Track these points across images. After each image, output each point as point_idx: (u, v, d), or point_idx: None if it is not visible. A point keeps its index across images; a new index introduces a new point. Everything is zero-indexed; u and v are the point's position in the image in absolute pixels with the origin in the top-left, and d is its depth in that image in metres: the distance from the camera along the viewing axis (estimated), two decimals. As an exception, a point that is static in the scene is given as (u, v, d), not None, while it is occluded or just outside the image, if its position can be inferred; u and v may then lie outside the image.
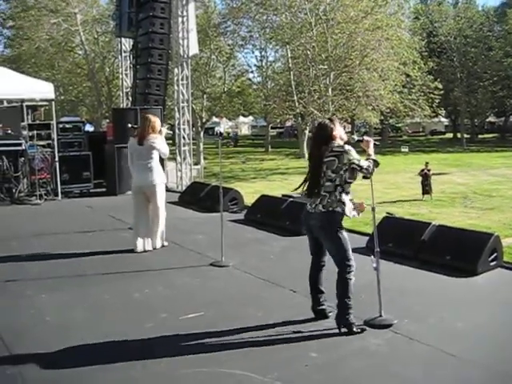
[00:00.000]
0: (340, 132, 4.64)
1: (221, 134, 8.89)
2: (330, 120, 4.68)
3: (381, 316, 4.65)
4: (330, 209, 4.45)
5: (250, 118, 62.81)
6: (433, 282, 5.85)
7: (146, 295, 5.59)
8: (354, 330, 4.44)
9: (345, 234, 4.53)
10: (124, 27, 15.12)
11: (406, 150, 39.60)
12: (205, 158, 34.14)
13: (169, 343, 4.36)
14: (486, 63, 46.75)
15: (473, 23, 47.05)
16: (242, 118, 62.51)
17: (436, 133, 63.67)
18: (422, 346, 4.25)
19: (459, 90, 48.52)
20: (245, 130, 67.39)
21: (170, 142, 16.51)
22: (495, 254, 6.15)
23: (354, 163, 4.43)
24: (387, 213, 7.91)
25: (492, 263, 6.12)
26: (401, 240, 6.78)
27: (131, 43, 15.30)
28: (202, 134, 35.44)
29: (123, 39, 16.08)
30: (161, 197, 7.28)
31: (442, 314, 4.90)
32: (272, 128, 52.27)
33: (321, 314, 4.74)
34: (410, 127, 62.54)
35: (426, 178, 20.46)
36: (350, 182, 4.54)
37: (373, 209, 4.81)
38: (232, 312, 5.04)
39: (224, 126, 63.35)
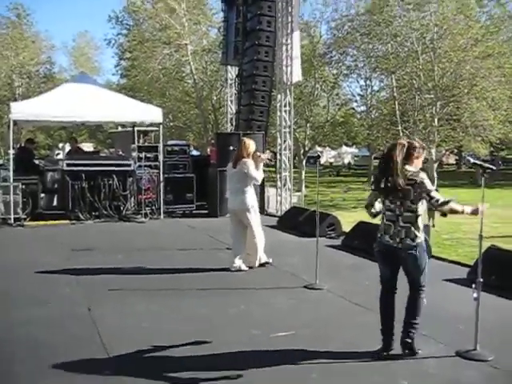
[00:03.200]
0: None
1: (318, 156, 8.92)
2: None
3: (475, 349, 4.43)
4: (418, 241, 4.36)
5: (354, 147, 62.35)
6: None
7: (240, 311, 5.70)
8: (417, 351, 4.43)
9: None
10: (230, 56, 15.69)
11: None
12: (306, 187, 34.23)
13: (258, 358, 4.41)
14: None
15: None
16: (344, 148, 62.21)
17: (551, 165, 59.98)
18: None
19: None
20: (347, 160, 66.95)
21: (273, 169, 16.72)
22: None
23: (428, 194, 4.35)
24: (492, 245, 7.53)
25: None
26: (505, 273, 6.43)
27: (237, 71, 15.78)
28: (304, 162, 35.60)
29: (229, 67, 16.64)
30: (254, 220, 7.38)
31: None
32: (375, 158, 51.58)
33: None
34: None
35: (539, 212, 19.28)
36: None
37: (480, 236, 4.61)
38: (323, 333, 5.01)
39: (327, 155, 63.40)
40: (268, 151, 7.83)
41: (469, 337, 4.49)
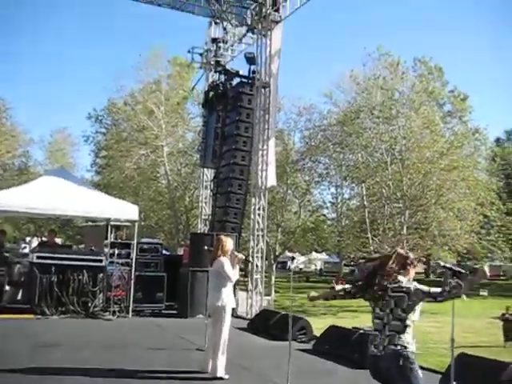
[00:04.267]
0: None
1: (293, 258, 8.99)
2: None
3: None
4: (405, 350, 4.18)
5: (324, 254, 62.68)
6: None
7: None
8: None
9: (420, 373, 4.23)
10: (208, 158, 16.14)
11: (485, 293, 37.99)
12: (276, 291, 33.99)
13: None
14: None
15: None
16: (314, 254, 62.49)
17: (517, 277, 60.91)
18: None
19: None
20: (318, 266, 66.98)
21: (241, 272, 16.68)
22: None
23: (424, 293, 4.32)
24: (462, 352, 7.56)
25: None
26: (476, 380, 6.43)
27: (212, 174, 16.16)
28: (274, 266, 35.59)
29: (205, 170, 17.03)
30: (226, 321, 7.18)
31: None
32: (345, 265, 51.83)
33: None
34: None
35: (508, 323, 19.37)
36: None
37: (452, 340, 4.64)
38: None
39: (297, 261, 63.41)
40: (241, 254, 7.82)
41: None
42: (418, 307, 4.40)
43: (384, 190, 31.69)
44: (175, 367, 7.40)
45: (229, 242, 7.43)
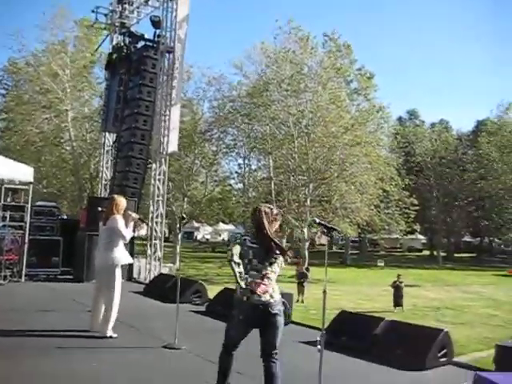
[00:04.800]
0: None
1: (183, 218, 8.96)
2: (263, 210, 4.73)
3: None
4: (278, 297, 4.54)
5: (230, 224, 63.28)
6: (379, 375, 5.87)
7: (91, 369, 5.54)
8: None
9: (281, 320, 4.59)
10: (109, 122, 15.78)
11: (382, 264, 39.98)
12: (181, 261, 33.98)
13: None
14: (461, 184, 48.39)
15: (448, 145, 49.23)
16: (221, 224, 62.96)
17: (413, 250, 64.49)
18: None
19: (435, 208, 49.83)
20: (224, 237, 67.61)
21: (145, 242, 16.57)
22: (445, 350, 6.21)
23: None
24: (343, 310, 7.99)
25: (442, 359, 6.17)
26: (355, 334, 6.85)
27: (115, 138, 15.84)
28: (180, 236, 35.57)
29: (107, 134, 16.65)
30: (115, 279, 7.10)
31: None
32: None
33: None
34: (387, 242, 63.27)
35: (397, 289, 20.50)
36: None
37: (324, 292, 4.86)
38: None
39: (203, 231, 63.62)
40: (138, 215, 7.74)
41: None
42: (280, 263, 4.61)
43: (290, 163, 32.31)
44: (67, 328, 7.31)
45: (122, 201, 7.35)
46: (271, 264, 4.53)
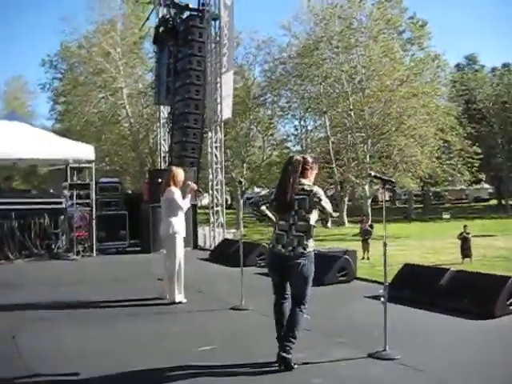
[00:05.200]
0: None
1: (240, 182, 9.03)
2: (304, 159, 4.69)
3: (385, 350, 4.71)
4: (310, 250, 4.50)
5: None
6: (447, 325, 5.86)
7: (166, 331, 5.80)
8: (292, 365, 4.42)
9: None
10: (162, 95, 15.97)
11: (448, 216, 39.23)
12: (245, 227, 34.42)
13: (180, 372, 4.53)
14: (527, 128, 46.41)
15: (511, 89, 47.10)
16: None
17: (480, 200, 62.71)
18: (425, 375, 4.30)
19: (501, 155, 48.15)
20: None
21: (207, 210, 16.82)
22: (514, 298, 6.12)
23: (320, 204, 4.47)
24: (406, 263, 7.95)
25: (511, 307, 6.08)
26: (420, 286, 6.82)
27: (169, 110, 16.05)
28: (242, 202, 35.90)
29: (162, 107, 16.88)
30: (177, 248, 7.28)
31: (450, 350, 4.98)
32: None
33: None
34: (452, 194, 61.92)
35: (465, 241, 20.12)
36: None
37: (384, 244, 4.85)
38: (245, 347, 5.19)
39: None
40: (191, 183, 7.82)
41: (381, 341, 4.76)
42: (315, 212, 4.54)
43: (346, 120, 31.97)
44: (137, 296, 7.63)
45: (180, 173, 7.49)
46: (293, 216, 4.48)
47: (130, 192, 20.65)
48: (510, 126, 47.30)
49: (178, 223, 7.33)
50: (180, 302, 7.23)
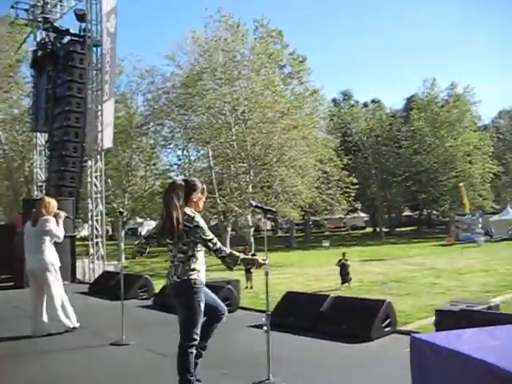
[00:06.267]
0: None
1: (121, 212, 8.83)
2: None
3: (268, 379, 4.71)
4: (185, 277, 4.23)
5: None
6: (327, 349, 6.02)
7: (38, 374, 5.43)
8: None
9: (202, 305, 4.27)
10: (40, 122, 15.36)
11: (328, 244, 40.72)
12: (126, 258, 33.53)
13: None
14: (398, 160, 49.61)
15: (382, 123, 50.43)
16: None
17: (357, 227, 65.93)
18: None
19: (375, 185, 51.03)
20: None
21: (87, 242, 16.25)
22: (389, 320, 6.40)
23: (203, 239, 4.27)
24: (288, 291, 8.10)
25: (386, 329, 6.36)
26: (302, 313, 6.97)
27: (47, 138, 15.44)
28: (123, 233, 35.08)
29: (39, 134, 16.21)
30: (53, 279, 7.00)
31: (329, 374, 5.12)
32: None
33: None
34: (331, 223, 64.46)
35: (343, 267, 20.90)
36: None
37: (266, 273, 4.88)
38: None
39: (147, 226, 62.54)
40: (63, 212, 7.54)
41: (265, 370, 4.76)
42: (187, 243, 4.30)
43: (229, 151, 32.33)
44: (10, 335, 7.11)
45: (52, 202, 7.20)
46: (174, 249, 4.30)
47: (1, 223, 19.43)
48: (383, 158, 50.43)
49: (52, 255, 7.02)
50: (74, 328, 7.12)
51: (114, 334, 6.77)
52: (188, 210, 4.30)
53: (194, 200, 4.42)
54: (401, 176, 49.56)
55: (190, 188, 4.40)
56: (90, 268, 14.46)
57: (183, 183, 4.40)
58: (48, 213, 7.03)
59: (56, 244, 7.19)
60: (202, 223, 4.28)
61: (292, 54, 41.73)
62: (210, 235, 4.28)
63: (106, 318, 8.19)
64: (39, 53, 15.26)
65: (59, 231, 7.02)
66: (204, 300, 4.31)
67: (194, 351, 4.24)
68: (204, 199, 4.55)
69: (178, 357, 4.21)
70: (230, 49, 32.62)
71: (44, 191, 14.95)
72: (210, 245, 4.27)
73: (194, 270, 4.26)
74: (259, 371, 4.84)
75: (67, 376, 5.44)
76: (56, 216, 7.12)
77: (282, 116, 31.15)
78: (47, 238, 6.96)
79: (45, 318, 7.07)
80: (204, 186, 4.61)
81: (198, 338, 4.25)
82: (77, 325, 7.19)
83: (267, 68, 33.49)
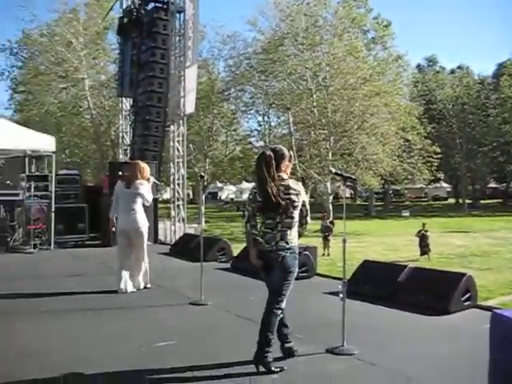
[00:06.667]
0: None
1: (201, 177, 9.06)
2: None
3: (343, 346, 4.75)
4: (291, 244, 4.31)
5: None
6: (403, 320, 5.96)
7: (122, 327, 5.71)
8: (273, 369, 4.24)
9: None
10: (125, 87, 15.78)
11: (407, 214, 39.86)
12: (206, 221, 34.35)
13: (135, 368, 4.46)
14: (485, 129, 47.40)
15: (469, 90, 48.11)
16: (245, 184, 63.05)
17: (438, 198, 64.07)
18: (381, 369, 4.36)
19: (459, 155, 49.18)
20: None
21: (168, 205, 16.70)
22: (469, 294, 6.25)
23: (305, 208, 4.43)
24: (366, 260, 8.04)
25: (466, 303, 6.21)
26: (378, 282, 6.91)
27: (132, 103, 15.85)
28: (203, 196, 35.81)
29: (124, 99, 16.67)
30: (144, 240, 7.46)
31: (405, 344, 5.07)
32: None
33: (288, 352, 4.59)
34: (412, 192, 62.99)
35: (423, 238, 20.47)
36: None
37: (344, 240, 4.88)
38: (202, 343, 5.14)
39: (227, 191, 63.68)
40: (153, 176, 7.97)
41: (339, 337, 4.80)
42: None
43: (309, 117, 32.01)
44: (95, 290, 7.52)
45: (147, 168, 7.59)
46: (277, 216, 4.30)
47: (90, 184, 20.31)
48: (469, 127, 48.36)
49: (144, 216, 7.40)
50: (145, 287, 7.53)
51: (193, 294, 7.00)
52: (291, 182, 4.37)
53: (283, 169, 4.42)
54: (487, 146, 47.40)
55: (279, 157, 4.40)
56: (172, 230, 14.90)
57: (272, 153, 4.36)
58: (142, 177, 7.38)
59: (143, 206, 7.52)
60: (303, 192, 4.41)
61: (376, 18, 40.51)
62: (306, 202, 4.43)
63: (186, 279, 8.46)
64: (125, 20, 15.59)
65: (149, 195, 7.40)
66: None
67: (281, 315, 4.38)
68: (291, 166, 4.58)
69: (264, 316, 4.31)
70: (312, 13, 31.99)
71: (129, 155, 15.43)
72: (305, 212, 4.44)
73: (295, 237, 4.38)
74: (333, 338, 4.90)
75: (145, 328, 5.71)
76: (148, 180, 7.47)
77: (364, 82, 30.40)
78: (139, 201, 7.34)
79: (129, 275, 7.42)
80: (291, 152, 4.64)
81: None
82: (149, 285, 7.63)
83: (350, 33, 32.63)
